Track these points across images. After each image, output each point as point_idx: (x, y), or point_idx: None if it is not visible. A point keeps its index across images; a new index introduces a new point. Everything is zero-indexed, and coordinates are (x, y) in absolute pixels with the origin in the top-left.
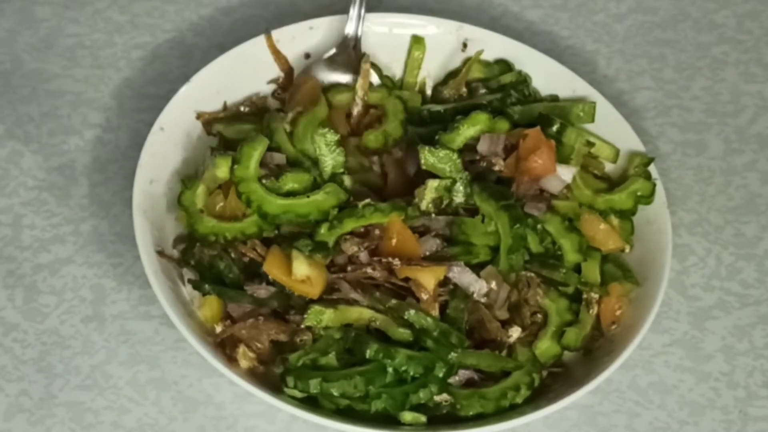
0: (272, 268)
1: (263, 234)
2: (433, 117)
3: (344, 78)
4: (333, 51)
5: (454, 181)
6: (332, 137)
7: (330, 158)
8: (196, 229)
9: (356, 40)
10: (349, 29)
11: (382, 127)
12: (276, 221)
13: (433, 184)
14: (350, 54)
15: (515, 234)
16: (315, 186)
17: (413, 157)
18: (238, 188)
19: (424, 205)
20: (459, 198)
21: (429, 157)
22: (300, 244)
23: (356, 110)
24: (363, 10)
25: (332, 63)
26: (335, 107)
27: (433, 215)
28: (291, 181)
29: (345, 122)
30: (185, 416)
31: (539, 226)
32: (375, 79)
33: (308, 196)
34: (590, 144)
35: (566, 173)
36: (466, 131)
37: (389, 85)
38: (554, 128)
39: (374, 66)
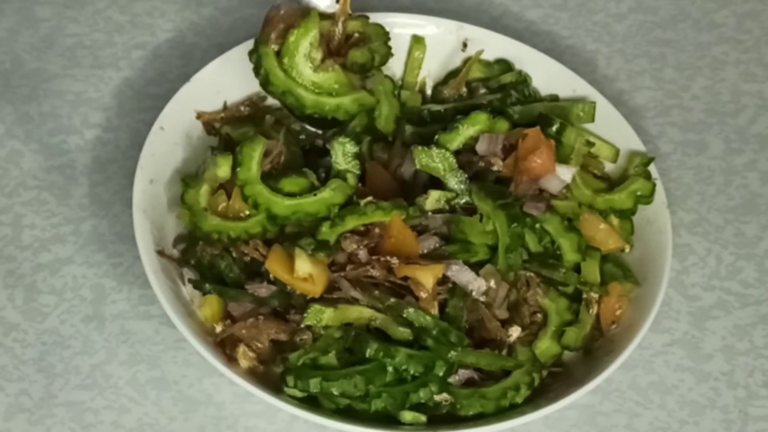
0: (274, 266)
1: (267, 235)
2: (433, 117)
3: (321, 4)
4: None
5: (457, 195)
6: (351, 148)
7: (344, 166)
8: (200, 227)
9: None
10: None
11: (367, 45)
12: (285, 222)
13: (435, 195)
14: None
15: (513, 233)
16: (313, 187)
17: (411, 159)
18: (244, 191)
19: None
20: (459, 200)
21: (423, 157)
22: (303, 242)
23: (337, 35)
24: None
25: None
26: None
27: (430, 213)
28: (289, 185)
29: (324, 48)
30: (185, 416)
31: (538, 226)
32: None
33: (315, 194)
34: (590, 144)
35: (566, 173)
36: (465, 131)
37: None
38: (554, 128)
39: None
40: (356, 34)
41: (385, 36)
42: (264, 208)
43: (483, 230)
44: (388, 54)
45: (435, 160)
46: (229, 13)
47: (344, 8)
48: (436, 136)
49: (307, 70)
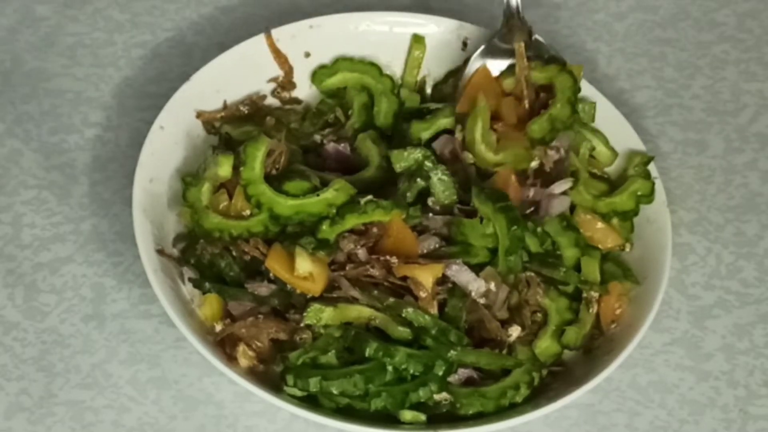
0: (274, 264)
1: (269, 234)
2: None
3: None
4: (499, 31)
5: (427, 155)
6: (446, 177)
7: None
8: (201, 225)
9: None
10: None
11: (548, 111)
12: (288, 222)
13: (403, 153)
14: (516, 26)
15: (513, 236)
16: (315, 188)
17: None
18: (247, 191)
19: (398, 168)
20: (441, 194)
21: (401, 161)
22: (303, 241)
23: (526, 99)
24: None
25: (493, 48)
26: (508, 97)
27: (431, 214)
28: (293, 189)
29: (514, 111)
30: (185, 415)
31: (539, 229)
32: (545, 49)
33: (318, 195)
34: (593, 148)
35: (563, 185)
36: (438, 122)
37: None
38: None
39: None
40: (542, 93)
41: (572, 90)
42: (267, 208)
43: (483, 233)
44: (570, 118)
45: (410, 160)
46: (230, 12)
47: (522, 65)
48: (409, 125)
49: (489, 155)
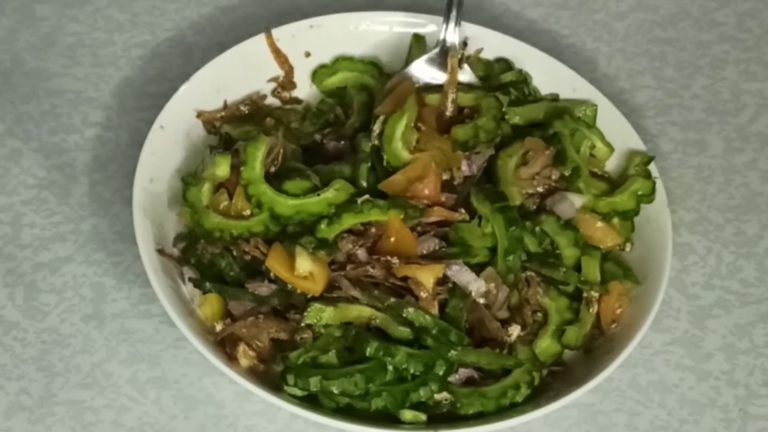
0: (275, 264)
1: (269, 234)
2: None
3: (442, 78)
4: (432, 52)
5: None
6: None
7: None
8: (202, 224)
9: (453, 44)
10: (446, 35)
11: (474, 121)
12: (288, 222)
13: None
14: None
15: (511, 236)
16: (316, 188)
17: None
18: (248, 190)
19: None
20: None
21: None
22: (303, 241)
23: (448, 111)
24: (458, 13)
25: (431, 63)
26: (428, 106)
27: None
28: (293, 188)
29: (435, 121)
30: (185, 415)
31: (537, 229)
32: (469, 77)
33: (318, 194)
34: (593, 146)
35: (578, 201)
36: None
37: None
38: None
39: (472, 62)
40: (466, 110)
41: (498, 110)
42: (267, 208)
43: (482, 234)
44: (495, 131)
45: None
46: (230, 12)
47: (453, 80)
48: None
49: (404, 153)
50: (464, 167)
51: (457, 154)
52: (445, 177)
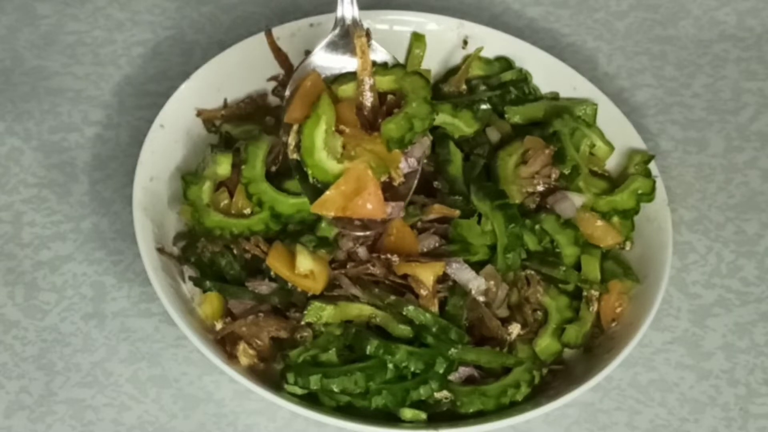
0: (275, 262)
1: (270, 232)
2: None
3: (351, 63)
4: (331, 35)
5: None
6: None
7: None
8: (203, 223)
9: (354, 20)
10: (344, 10)
11: (403, 109)
12: (289, 220)
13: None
14: (351, 34)
15: (511, 233)
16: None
17: None
18: (249, 189)
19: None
20: None
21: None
22: (304, 239)
23: (368, 101)
24: None
25: (334, 48)
26: (343, 101)
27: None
28: (292, 187)
29: (357, 117)
30: (186, 413)
31: (537, 227)
32: (383, 55)
33: None
34: (592, 145)
35: (578, 200)
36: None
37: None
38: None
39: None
40: (389, 96)
41: (425, 89)
42: (268, 206)
43: (482, 231)
44: (429, 116)
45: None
46: (230, 11)
47: (365, 64)
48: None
49: (331, 164)
50: (402, 164)
51: (394, 153)
52: (382, 179)
